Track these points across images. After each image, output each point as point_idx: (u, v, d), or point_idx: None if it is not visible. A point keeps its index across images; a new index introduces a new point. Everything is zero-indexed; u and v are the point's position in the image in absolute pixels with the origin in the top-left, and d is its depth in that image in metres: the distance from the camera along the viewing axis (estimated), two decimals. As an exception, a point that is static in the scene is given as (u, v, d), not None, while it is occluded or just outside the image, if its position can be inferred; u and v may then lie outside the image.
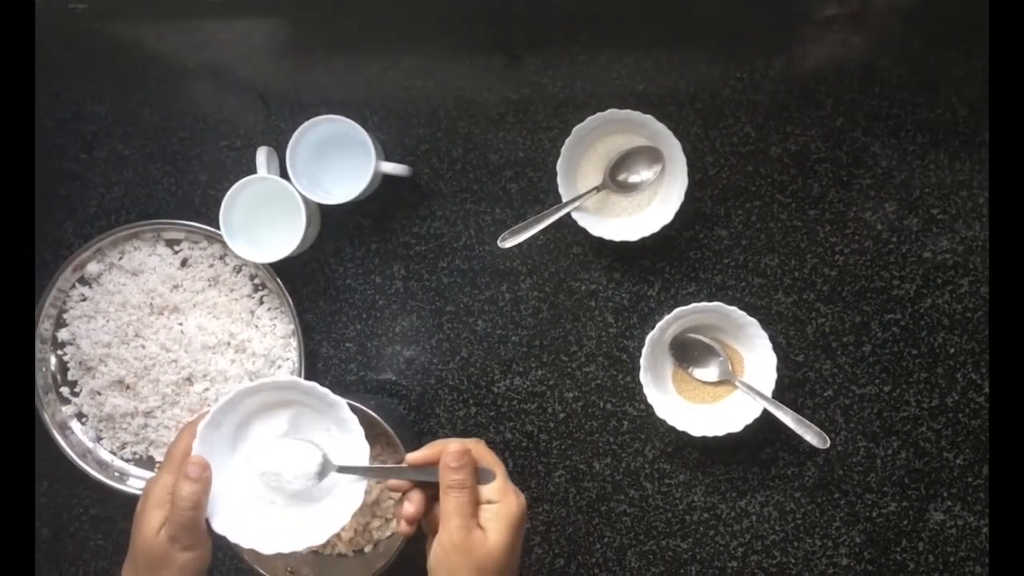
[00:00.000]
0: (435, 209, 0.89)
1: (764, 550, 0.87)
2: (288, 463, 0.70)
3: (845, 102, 0.86)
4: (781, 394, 0.84)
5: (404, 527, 0.69)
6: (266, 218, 0.86)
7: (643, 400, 0.84)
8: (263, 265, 0.87)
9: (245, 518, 0.70)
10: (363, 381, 0.90)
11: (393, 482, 0.71)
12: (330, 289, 0.90)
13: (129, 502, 0.71)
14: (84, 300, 0.91)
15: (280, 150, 0.87)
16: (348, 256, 0.90)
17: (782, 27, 0.86)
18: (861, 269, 0.86)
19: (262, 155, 0.87)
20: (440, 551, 0.65)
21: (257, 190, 0.85)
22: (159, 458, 0.91)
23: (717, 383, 0.86)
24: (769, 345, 0.82)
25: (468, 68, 0.89)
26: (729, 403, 0.86)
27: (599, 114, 0.82)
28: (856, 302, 0.86)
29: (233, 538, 0.68)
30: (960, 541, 0.86)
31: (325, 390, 0.70)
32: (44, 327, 0.90)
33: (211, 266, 0.90)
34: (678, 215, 0.83)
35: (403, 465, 0.69)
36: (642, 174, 0.85)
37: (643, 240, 0.83)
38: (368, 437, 0.71)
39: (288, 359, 0.90)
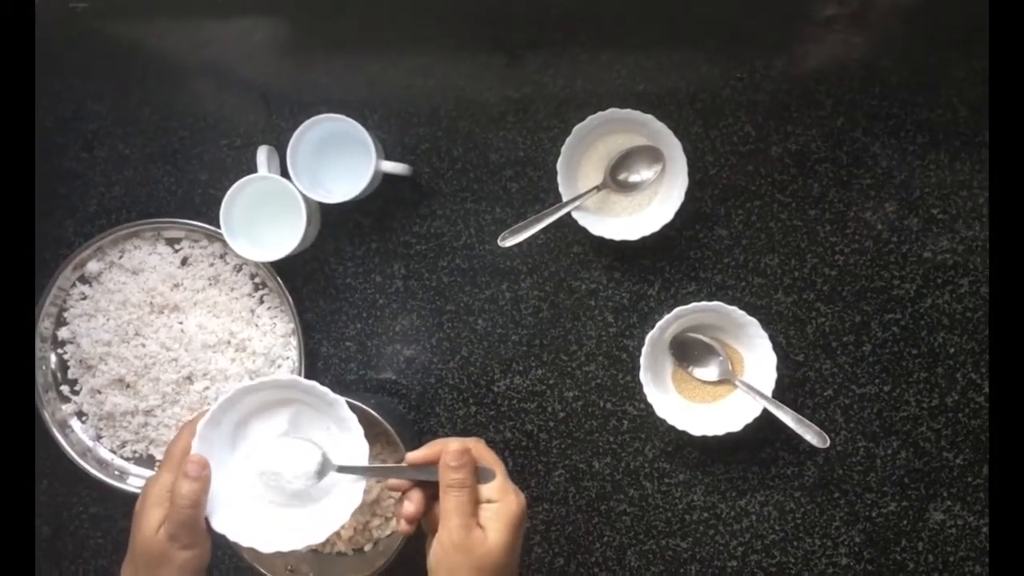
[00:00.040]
0: (435, 208, 0.89)
1: (764, 549, 0.87)
2: (287, 463, 0.70)
3: (845, 102, 0.86)
4: (781, 394, 0.84)
5: (404, 526, 0.69)
6: (266, 217, 0.86)
7: (643, 399, 0.84)
8: (263, 264, 0.88)
9: (244, 516, 0.70)
10: (363, 380, 0.91)
11: (393, 481, 0.71)
12: (330, 288, 0.90)
13: (129, 501, 0.71)
14: (84, 299, 0.91)
15: (281, 149, 0.87)
16: (348, 255, 0.90)
17: (782, 27, 0.86)
18: (861, 269, 0.86)
19: (262, 154, 0.87)
20: (440, 550, 0.65)
21: (257, 189, 0.85)
22: (159, 457, 0.91)
23: (717, 382, 0.86)
24: (769, 345, 0.82)
25: (468, 67, 0.89)
26: (729, 402, 0.86)
27: (600, 113, 0.82)
28: (856, 302, 0.86)
29: (232, 536, 0.68)
30: (960, 541, 0.86)
31: (325, 389, 0.70)
32: (44, 325, 0.91)
33: (211, 265, 0.90)
34: (678, 214, 0.83)
35: (403, 464, 0.69)
36: (642, 173, 0.85)
37: (643, 239, 0.83)
38: (368, 436, 0.71)
39: (288, 358, 0.90)
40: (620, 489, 0.88)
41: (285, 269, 0.88)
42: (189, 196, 0.91)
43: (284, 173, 0.85)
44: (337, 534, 0.84)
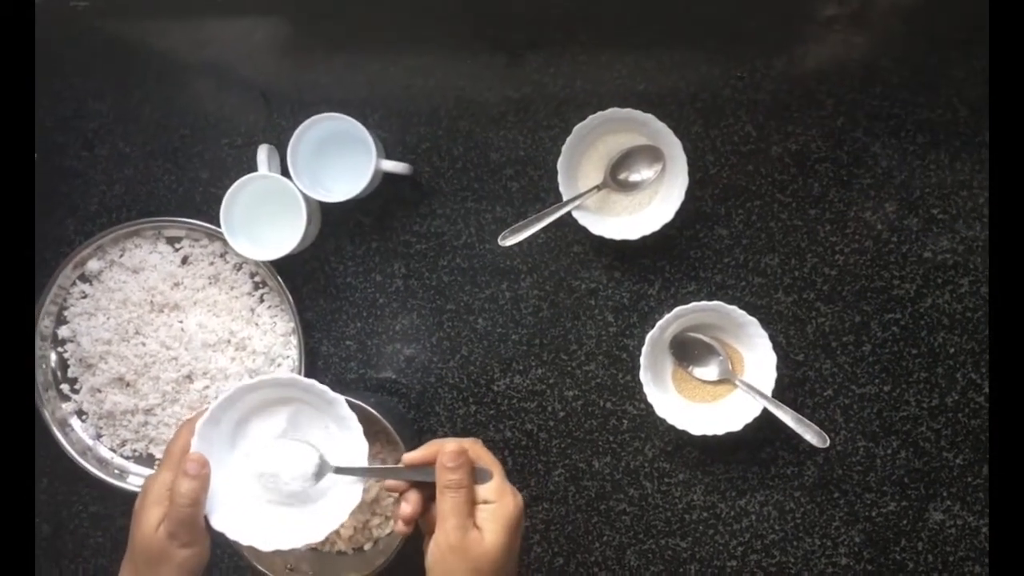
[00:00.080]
0: (436, 207, 0.89)
1: (763, 549, 0.87)
2: (285, 464, 0.70)
3: (846, 102, 0.86)
4: (781, 393, 0.84)
5: (401, 527, 0.69)
6: (267, 216, 0.86)
7: (643, 399, 0.84)
8: (264, 263, 0.88)
9: (244, 515, 0.70)
10: (363, 379, 0.91)
11: (390, 482, 0.70)
12: (330, 287, 0.90)
13: (129, 499, 0.71)
14: (85, 297, 0.91)
15: (281, 148, 0.87)
16: (348, 254, 0.90)
17: (783, 27, 0.86)
18: (861, 269, 0.86)
19: (263, 153, 0.87)
20: (437, 551, 0.64)
21: (258, 188, 0.85)
22: (159, 456, 0.91)
23: (717, 382, 0.86)
24: (769, 344, 0.82)
25: (469, 67, 0.89)
26: (729, 402, 0.86)
27: (600, 113, 0.82)
28: (856, 302, 0.86)
29: (232, 535, 0.68)
30: (959, 541, 0.86)
31: (324, 387, 0.70)
32: (44, 324, 0.91)
33: (211, 264, 0.90)
34: (678, 214, 0.83)
35: (400, 465, 0.69)
36: (643, 173, 0.85)
37: (643, 239, 0.83)
38: (368, 435, 0.71)
39: (288, 357, 0.90)
40: (620, 488, 0.88)
41: (285, 268, 0.88)
42: (189, 195, 0.91)
43: (284, 172, 0.85)
44: (337, 533, 0.84)
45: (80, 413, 0.92)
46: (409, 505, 0.68)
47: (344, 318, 0.90)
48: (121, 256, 0.91)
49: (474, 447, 0.68)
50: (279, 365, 0.90)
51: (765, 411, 0.82)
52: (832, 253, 0.86)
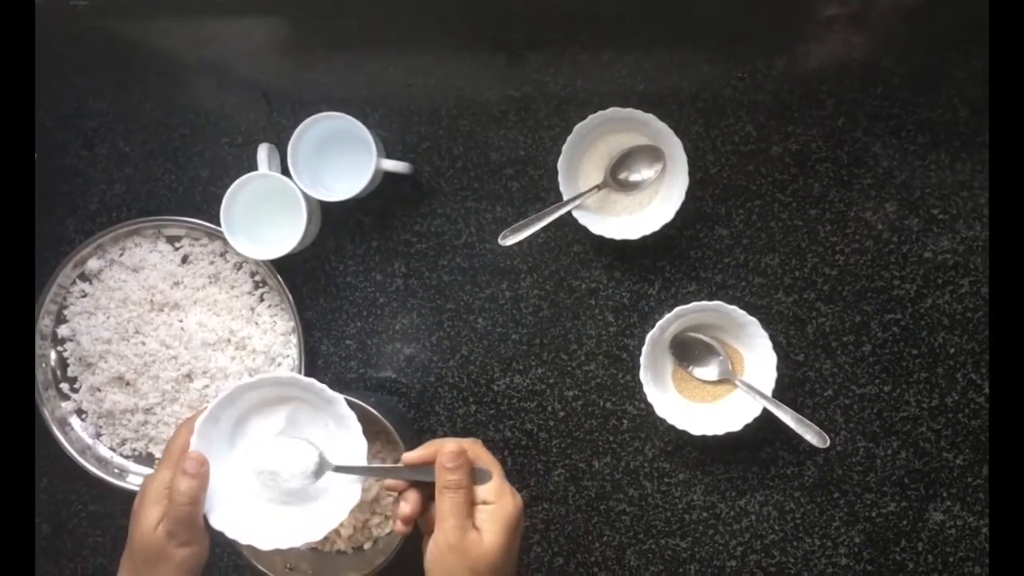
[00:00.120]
0: (436, 207, 0.89)
1: (763, 549, 0.87)
2: (284, 462, 0.70)
3: (846, 102, 0.86)
4: (781, 393, 0.84)
5: (400, 526, 0.69)
6: (267, 215, 0.86)
7: (643, 399, 0.84)
8: (264, 262, 0.88)
9: (243, 514, 0.70)
10: (363, 378, 0.91)
11: (389, 482, 0.70)
12: (330, 286, 0.90)
13: (128, 499, 0.71)
14: (84, 296, 0.91)
15: (281, 147, 0.87)
16: (349, 253, 0.90)
17: (783, 27, 0.86)
18: (862, 269, 0.86)
19: (263, 152, 0.87)
20: (436, 551, 0.64)
21: (258, 187, 0.85)
22: (158, 455, 0.91)
23: (717, 382, 0.86)
24: (769, 344, 0.82)
25: (469, 66, 0.89)
26: (729, 402, 0.86)
27: (600, 113, 0.82)
28: (856, 302, 0.86)
29: (231, 534, 0.68)
30: (959, 541, 0.86)
31: (323, 386, 0.70)
32: (44, 323, 0.91)
33: (212, 263, 0.90)
34: (679, 214, 0.83)
35: (399, 465, 0.69)
36: (643, 173, 0.85)
37: (644, 239, 0.83)
38: (368, 434, 0.71)
39: (288, 356, 0.90)
40: (620, 488, 0.88)
41: (285, 267, 0.88)
42: (190, 194, 0.91)
43: (285, 171, 0.85)
44: (337, 532, 0.84)
45: (80, 412, 0.92)
46: (408, 505, 0.68)
47: (344, 317, 0.90)
48: (121, 255, 0.90)
49: (473, 447, 0.68)
50: (279, 364, 0.90)
51: (765, 411, 0.82)
52: (832, 253, 0.86)
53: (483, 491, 0.66)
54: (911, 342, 0.86)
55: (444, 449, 0.66)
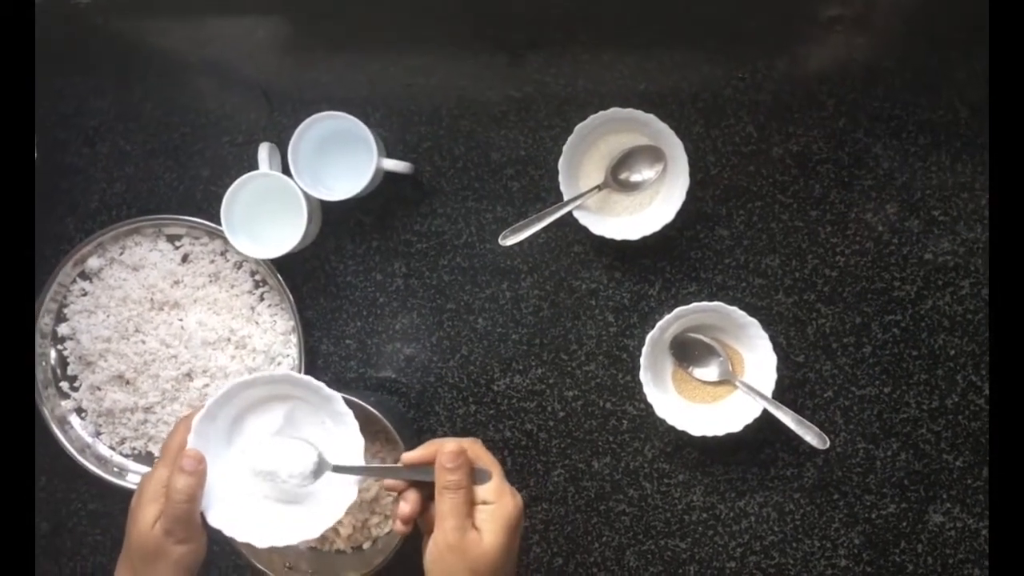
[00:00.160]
0: (436, 207, 0.89)
1: (763, 551, 0.87)
2: (283, 462, 0.70)
3: (847, 103, 0.86)
4: (781, 394, 0.84)
5: (399, 526, 0.68)
6: (267, 214, 0.86)
7: (643, 399, 0.83)
8: (264, 261, 0.87)
9: (240, 512, 0.70)
10: (363, 378, 0.90)
11: (389, 482, 0.70)
12: (331, 286, 0.90)
13: (128, 497, 0.71)
14: (84, 295, 0.91)
15: (282, 146, 0.87)
16: (349, 253, 0.90)
17: (784, 27, 0.86)
18: (862, 270, 0.86)
19: (264, 151, 0.87)
20: (435, 551, 0.64)
21: (259, 186, 0.85)
22: (158, 454, 0.91)
23: (717, 383, 0.86)
24: (769, 345, 0.82)
25: (470, 66, 0.89)
26: (729, 403, 0.86)
27: (601, 113, 0.82)
28: (857, 303, 0.86)
29: (228, 532, 0.68)
30: (959, 543, 0.85)
31: (320, 384, 0.70)
32: (44, 322, 0.91)
33: (212, 262, 0.90)
34: (679, 214, 0.83)
35: (399, 465, 0.69)
36: (644, 173, 0.85)
37: (644, 239, 0.83)
38: (368, 434, 0.71)
39: (288, 356, 0.90)
40: (619, 489, 0.88)
41: (286, 266, 0.88)
42: (190, 193, 0.91)
43: (285, 170, 0.85)
44: (336, 532, 0.84)
45: (79, 411, 0.92)
46: (408, 505, 0.68)
47: (344, 317, 0.90)
48: (121, 254, 0.90)
49: (473, 447, 0.68)
50: (279, 364, 0.90)
51: (765, 412, 0.82)
52: (833, 254, 0.86)
53: (483, 491, 0.66)
54: (911, 344, 0.86)
55: (444, 449, 0.66)
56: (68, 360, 0.92)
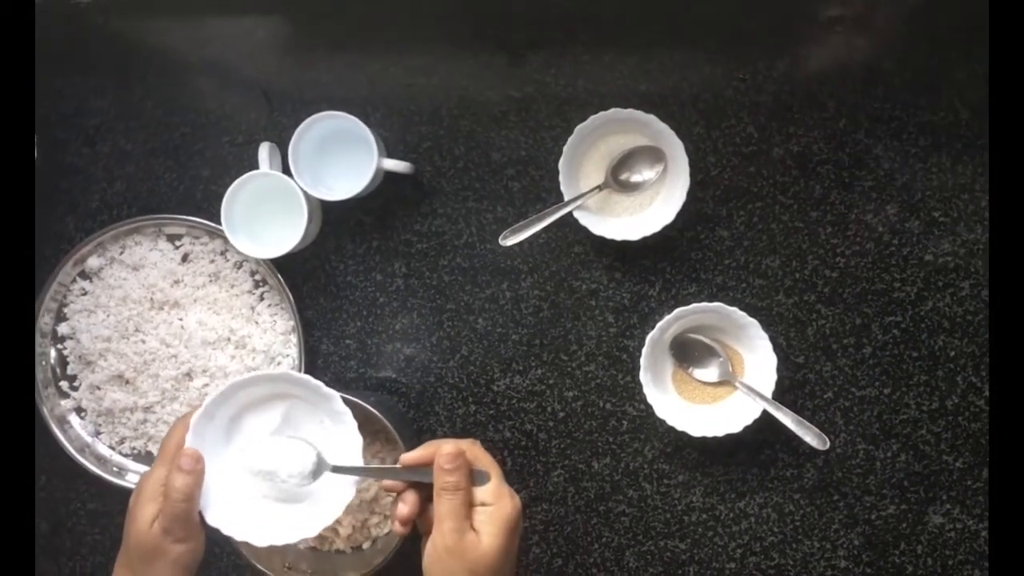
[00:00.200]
0: (437, 207, 0.89)
1: (762, 552, 0.87)
2: (282, 463, 0.70)
3: (848, 104, 0.86)
4: (781, 395, 0.84)
5: (398, 528, 0.68)
6: (268, 214, 0.86)
7: (643, 400, 0.83)
8: (264, 261, 0.87)
9: (238, 511, 0.70)
10: (363, 378, 0.90)
11: (387, 483, 0.70)
12: (331, 286, 0.90)
13: (127, 497, 0.71)
14: (84, 294, 0.91)
15: (282, 146, 0.87)
16: (349, 253, 0.90)
17: (785, 28, 0.86)
18: (862, 271, 0.86)
19: (264, 151, 0.87)
20: (433, 553, 0.64)
21: (259, 186, 0.85)
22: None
23: (717, 383, 0.86)
24: (769, 346, 0.82)
25: (470, 66, 0.89)
26: (729, 404, 0.85)
27: (602, 113, 0.82)
28: (857, 304, 0.86)
29: (226, 530, 0.68)
30: (959, 544, 0.85)
31: (318, 382, 0.70)
32: (44, 321, 0.91)
33: (212, 262, 0.90)
34: (680, 215, 0.83)
35: (397, 466, 0.69)
36: (644, 174, 0.85)
37: (644, 240, 0.83)
38: (368, 434, 0.71)
39: (288, 355, 0.90)
40: (619, 490, 0.88)
41: (286, 266, 0.88)
42: (190, 192, 0.91)
43: (286, 170, 0.85)
44: (335, 532, 0.84)
45: (79, 410, 0.92)
46: (406, 506, 0.68)
47: (344, 317, 0.90)
48: (121, 253, 0.90)
49: (472, 448, 0.68)
50: (279, 363, 0.90)
51: (765, 413, 0.82)
52: (833, 255, 0.86)
53: (481, 493, 0.66)
54: (911, 345, 0.86)
55: (442, 450, 0.66)
56: (68, 359, 0.92)
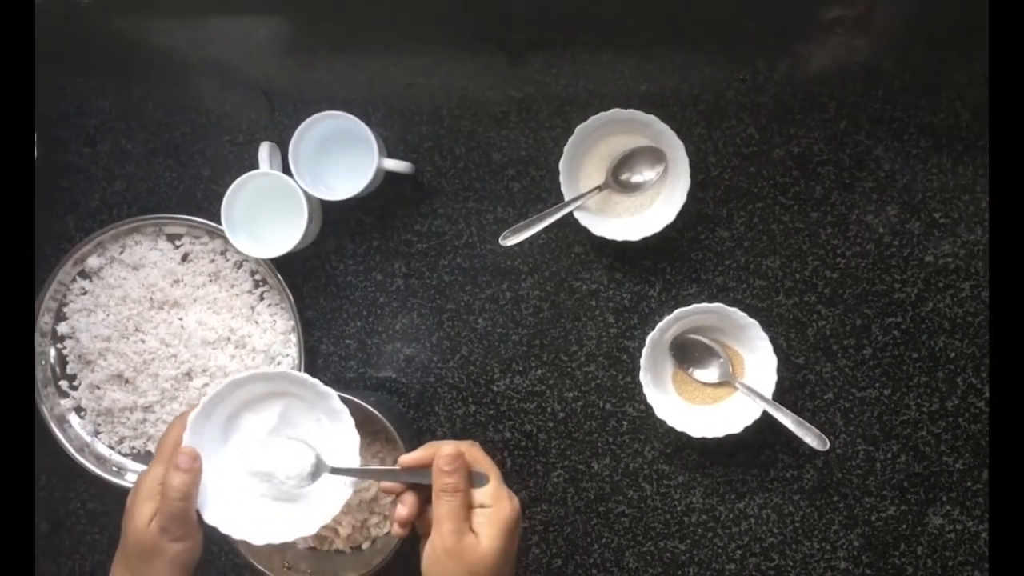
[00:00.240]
0: (437, 207, 0.89)
1: (762, 552, 0.87)
2: (281, 464, 0.70)
3: (848, 105, 0.86)
4: (781, 396, 0.84)
5: (397, 529, 0.68)
6: (268, 214, 0.86)
7: (643, 400, 0.83)
8: (264, 261, 0.87)
9: (236, 509, 0.70)
10: (363, 378, 0.90)
11: (386, 484, 0.70)
12: (331, 286, 0.90)
13: (126, 497, 0.71)
14: (84, 294, 0.91)
15: (283, 146, 0.87)
16: (349, 253, 0.90)
17: (785, 29, 0.86)
18: (862, 272, 0.86)
19: (264, 150, 0.87)
20: (432, 555, 0.64)
21: (259, 185, 0.85)
22: (157, 453, 0.91)
23: (717, 384, 0.86)
24: (770, 347, 0.82)
25: (471, 66, 0.89)
26: (729, 404, 0.85)
27: (602, 114, 0.82)
28: (857, 305, 0.86)
29: (224, 529, 0.68)
30: (959, 546, 0.85)
31: (315, 381, 0.70)
32: (44, 320, 0.91)
33: (212, 261, 0.90)
34: (680, 216, 0.83)
35: (396, 467, 0.69)
36: (645, 174, 0.85)
37: (645, 240, 0.83)
38: (367, 434, 0.71)
39: (288, 355, 0.90)
40: (619, 490, 0.88)
41: (286, 266, 0.88)
42: (191, 192, 0.91)
43: (286, 170, 0.85)
44: (335, 532, 0.84)
45: (79, 410, 0.92)
46: (405, 507, 0.68)
47: (344, 317, 0.90)
48: (121, 253, 0.90)
49: (471, 450, 0.68)
50: (279, 363, 0.90)
51: (765, 414, 0.82)
52: (833, 256, 0.86)
53: (480, 494, 0.66)
54: (912, 346, 0.86)
55: (441, 452, 0.66)
56: (67, 359, 0.92)
